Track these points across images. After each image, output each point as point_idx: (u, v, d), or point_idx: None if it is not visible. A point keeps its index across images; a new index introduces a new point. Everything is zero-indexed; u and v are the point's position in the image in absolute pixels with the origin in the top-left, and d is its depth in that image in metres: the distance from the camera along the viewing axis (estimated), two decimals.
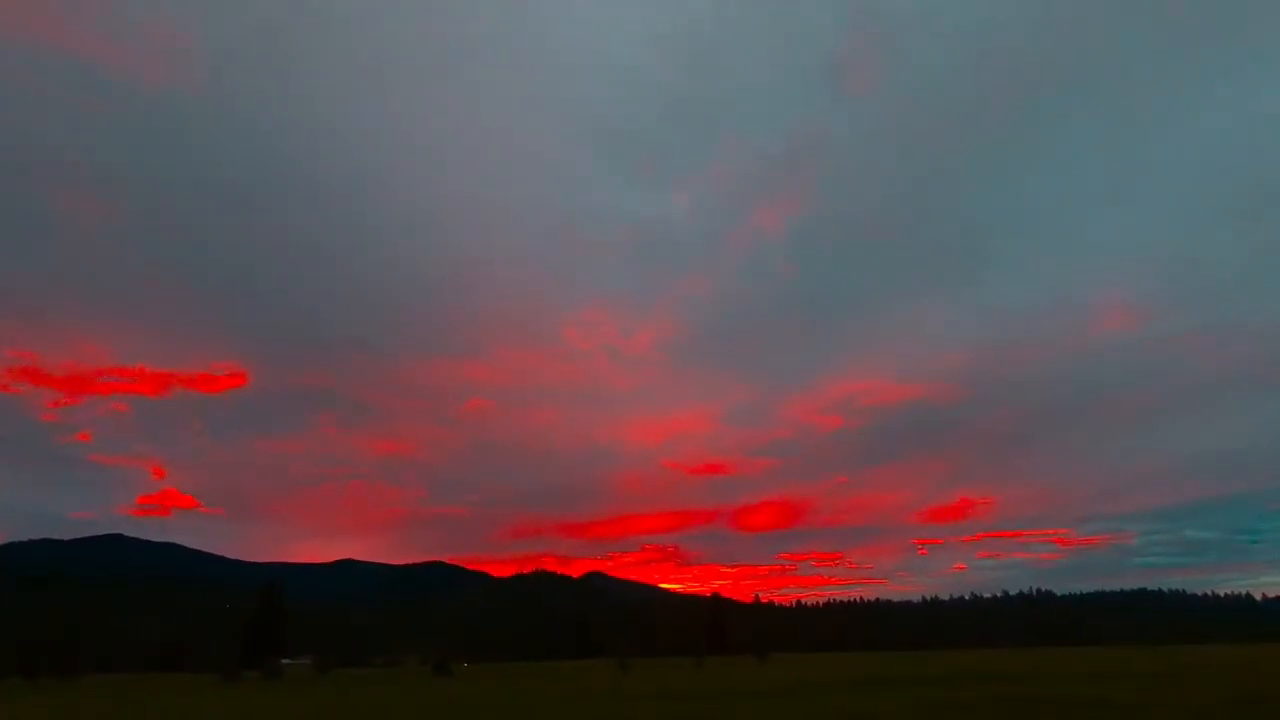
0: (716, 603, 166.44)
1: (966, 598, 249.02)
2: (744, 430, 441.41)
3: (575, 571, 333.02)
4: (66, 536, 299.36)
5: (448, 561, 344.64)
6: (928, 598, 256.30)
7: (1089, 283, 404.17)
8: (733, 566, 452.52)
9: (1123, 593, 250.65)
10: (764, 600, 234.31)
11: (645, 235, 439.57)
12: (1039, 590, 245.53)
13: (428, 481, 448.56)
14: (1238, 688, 24.91)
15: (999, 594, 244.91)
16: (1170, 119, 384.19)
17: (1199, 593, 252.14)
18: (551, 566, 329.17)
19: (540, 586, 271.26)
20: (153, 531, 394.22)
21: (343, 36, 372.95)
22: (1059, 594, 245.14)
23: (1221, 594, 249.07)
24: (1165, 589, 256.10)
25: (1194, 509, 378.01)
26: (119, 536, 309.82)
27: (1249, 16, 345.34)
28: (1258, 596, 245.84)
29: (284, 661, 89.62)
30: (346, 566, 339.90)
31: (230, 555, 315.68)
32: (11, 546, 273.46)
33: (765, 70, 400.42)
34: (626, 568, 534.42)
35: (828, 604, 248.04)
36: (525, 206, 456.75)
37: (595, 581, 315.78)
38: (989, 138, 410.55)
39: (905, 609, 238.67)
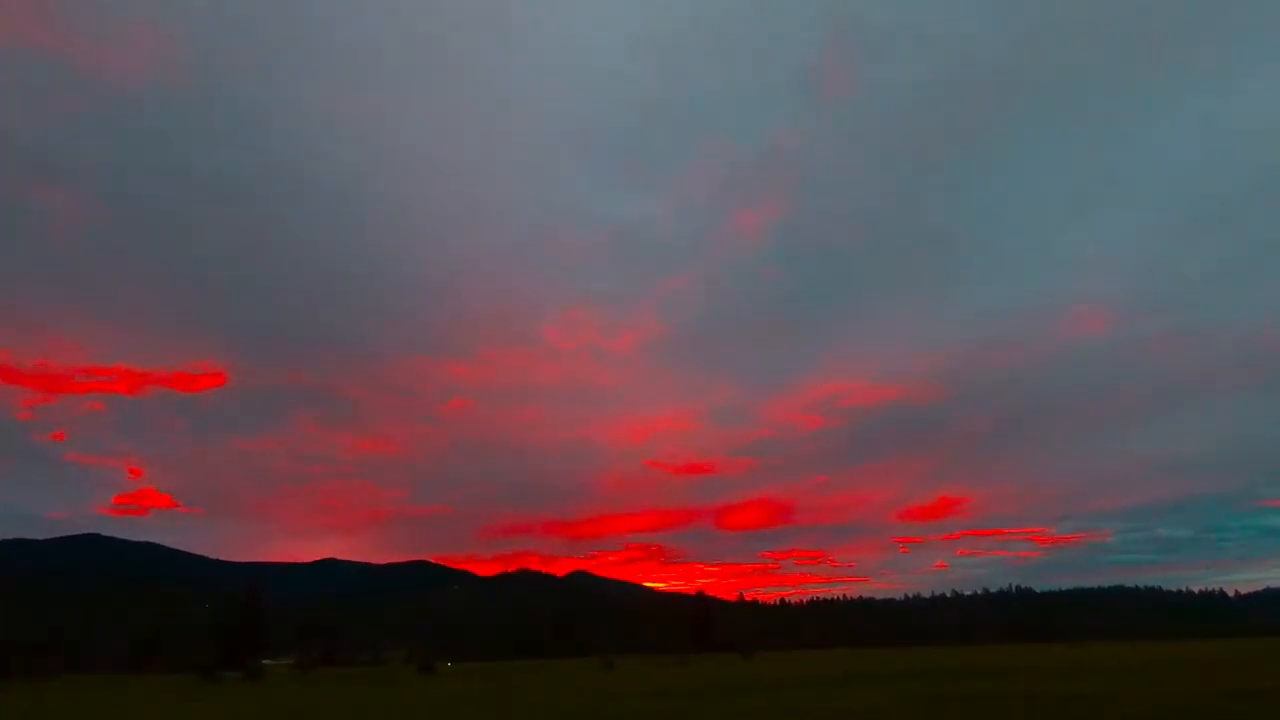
0: (701, 601, 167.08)
1: (947, 595, 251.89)
2: (726, 430, 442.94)
3: (559, 570, 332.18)
4: (42, 536, 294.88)
5: (431, 560, 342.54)
6: (909, 595, 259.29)
7: (1062, 287, 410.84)
8: (716, 565, 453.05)
9: (1099, 589, 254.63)
10: (748, 599, 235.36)
11: (627, 237, 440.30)
12: (1018, 587, 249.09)
13: (410, 480, 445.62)
14: (1211, 682, 25.51)
15: (979, 591, 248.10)
16: (1139, 128, 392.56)
17: (1173, 589, 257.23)
18: (535, 565, 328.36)
19: (524, 585, 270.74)
20: (129, 531, 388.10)
21: (324, 37, 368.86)
22: (1038, 591, 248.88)
23: (1195, 590, 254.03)
24: (1140, 586, 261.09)
25: (1167, 508, 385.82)
26: (95, 536, 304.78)
27: (1215, 30, 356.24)
28: (1230, 593, 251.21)
29: (265, 662, 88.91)
30: (328, 566, 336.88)
31: (210, 555, 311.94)
32: None
33: (744, 77, 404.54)
34: (610, 566, 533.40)
35: (811, 602, 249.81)
36: (508, 207, 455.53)
37: (579, 580, 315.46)
38: (963, 145, 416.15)
39: (887, 606, 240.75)
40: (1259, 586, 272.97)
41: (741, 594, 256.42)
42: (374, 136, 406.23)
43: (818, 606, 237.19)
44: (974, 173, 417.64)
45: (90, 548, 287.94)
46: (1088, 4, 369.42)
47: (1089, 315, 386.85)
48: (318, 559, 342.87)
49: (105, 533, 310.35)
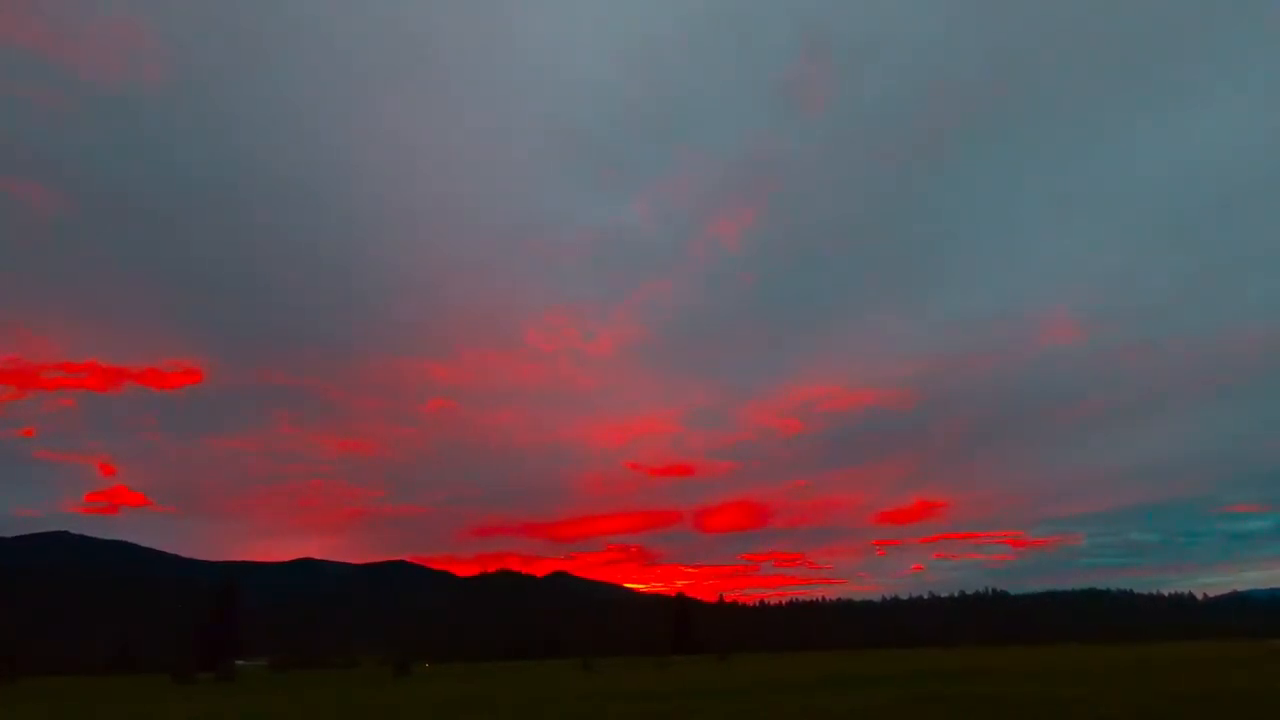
0: (681, 603, 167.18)
1: (924, 597, 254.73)
2: (706, 433, 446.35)
3: (539, 571, 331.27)
4: (9, 534, 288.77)
5: (409, 561, 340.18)
6: (887, 597, 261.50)
7: (1034, 297, 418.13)
8: (696, 567, 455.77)
9: (1072, 592, 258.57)
10: (727, 600, 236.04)
11: (607, 241, 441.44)
12: (993, 590, 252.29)
13: (389, 480, 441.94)
14: (1181, 683, 26.00)
15: (955, 594, 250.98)
16: (1109, 144, 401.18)
17: (1144, 592, 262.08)
18: (514, 566, 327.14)
19: (503, 586, 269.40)
20: (100, 529, 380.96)
21: (306, 36, 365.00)
22: (1012, 593, 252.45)
23: (1165, 594, 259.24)
24: (1112, 589, 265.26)
25: (1137, 512, 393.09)
26: (64, 534, 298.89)
27: (1182, 49, 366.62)
28: (1198, 596, 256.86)
29: (239, 663, 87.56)
30: (305, 565, 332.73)
31: (184, 554, 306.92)
32: None
33: (723, 87, 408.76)
34: (590, 568, 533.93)
35: (790, 604, 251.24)
36: (490, 209, 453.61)
37: (559, 581, 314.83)
38: (938, 158, 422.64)
39: (865, 608, 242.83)
40: (1226, 590, 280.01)
41: (721, 595, 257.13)
42: (356, 136, 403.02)
43: (796, 608, 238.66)
44: (949, 183, 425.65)
45: (59, 546, 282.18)
46: (1062, 19, 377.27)
47: (1062, 324, 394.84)
48: (294, 558, 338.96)
49: (75, 530, 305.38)
